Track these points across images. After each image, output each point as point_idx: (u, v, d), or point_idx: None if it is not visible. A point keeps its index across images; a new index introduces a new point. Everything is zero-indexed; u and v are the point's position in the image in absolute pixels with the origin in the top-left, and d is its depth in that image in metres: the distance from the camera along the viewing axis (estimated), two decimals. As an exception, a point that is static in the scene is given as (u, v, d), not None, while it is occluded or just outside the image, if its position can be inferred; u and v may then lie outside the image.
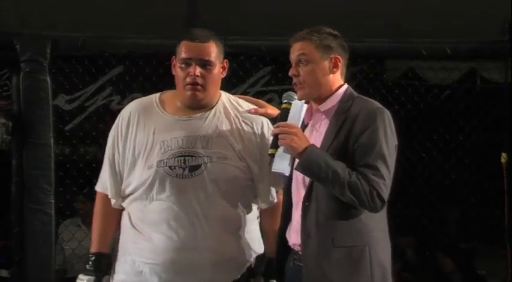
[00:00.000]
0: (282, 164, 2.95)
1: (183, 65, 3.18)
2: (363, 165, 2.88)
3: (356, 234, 2.92)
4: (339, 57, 3.02)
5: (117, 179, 3.28)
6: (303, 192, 2.99)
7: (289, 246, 3.08)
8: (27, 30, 4.61)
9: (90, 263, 3.30)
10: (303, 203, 2.97)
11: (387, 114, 2.96)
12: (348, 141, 2.92)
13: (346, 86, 3.07)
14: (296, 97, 3.05)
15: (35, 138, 4.43)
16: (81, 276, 3.30)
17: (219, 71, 3.23)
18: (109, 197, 3.30)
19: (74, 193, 5.57)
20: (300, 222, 2.98)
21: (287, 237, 3.08)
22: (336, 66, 3.02)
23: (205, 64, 3.17)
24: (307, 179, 2.97)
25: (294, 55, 3.03)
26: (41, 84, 4.44)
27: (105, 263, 3.30)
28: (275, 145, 2.96)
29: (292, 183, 3.08)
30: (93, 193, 3.42)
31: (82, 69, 5.12)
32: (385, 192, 2.88)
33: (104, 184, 3.33)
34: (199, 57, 3.17)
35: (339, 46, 3.03)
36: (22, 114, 4.44)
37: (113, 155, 3.28)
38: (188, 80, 3.17)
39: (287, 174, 2.99)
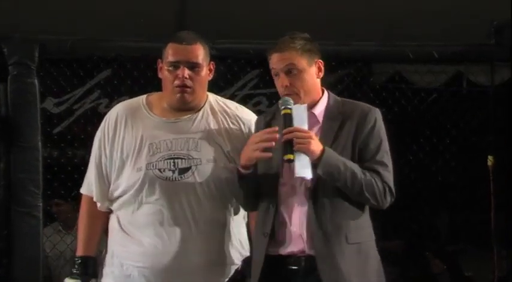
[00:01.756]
0: (305, 169, 2.89)
1: (170, 68, 3.19)
2: (373, 162, 2.96)
3: (362, 231, 2.99)
4: (321, 61, 3.06)
5: (104, 182, 3.27)
6: (300, 197, 2.98)
7: (275, 255, 3.02)
8: (15, 33, 4.60)
9: (76, 266, 3.29)
10: (310, 206, 2.95)
11: (380, 113, 3.04)
12: (352, 142, 2.97)
13: (326, 90, 3.12)
14: (292, 101, 3.01)
15: (23, 142, 4.43)
16: (67, 280, 3.29)
17: (206, 73, 3.24)
18: (94, 200, 3.29)
19: (62, 196, 5.56)
20: (300, 227, 2.97)
21: (275, 248, 3.01)
22: (320, 70, 3.06)
23: (193, 66, 3.18)
24: (307, 183, 2.96)
25: (280, 65, 3.01)
26: (28, 88, 4.44)
27: (91, 266, 3.29)
28: (290, 150, 2.88)
29: (280, 190, 3.03)
30: (78, 196, 3.42)
31: (70, 73, 5.12)
32: (393, 187, 2.98)
33: (89, 187, 3.32)
34: (186, 59, 3.17)
35: (318, 50, 3.06)
36: (10, 118, 4.43)
37: (100, 158, 3.27)
38: (177, 82, 3.17)
39: (310, 177, 2.94)
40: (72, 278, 3.28)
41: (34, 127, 4.45)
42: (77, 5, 5.87)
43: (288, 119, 2.96)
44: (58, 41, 4.60)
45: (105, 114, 3.39)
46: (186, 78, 3.16)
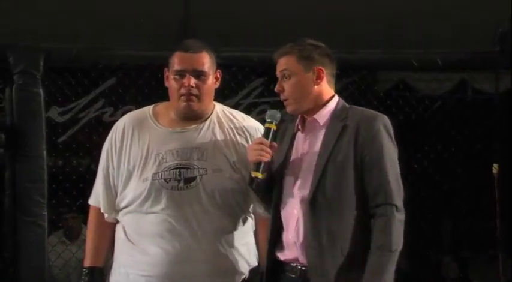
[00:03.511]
0: None
1: (177, 77, 3.18)
2: (375, 172, 2.90)
3: (358, 243, 2.92)
4: (321, 68, 3.01)
5: (111, 193, 3.27)
6: (297, 205, 2.98)
7: (278, 260, 3.04)
8: (20, 42, 4.62)
9: (84, 277, 3.28)
10: (306, 216, 2.94)
11: (387, 120, 2.99)
12: (354, 149, 2.93)
13: (337, 97, 3.08)
14: (279, 115, 3.05)
15: (28, 151, 4.43)
16: None
17: (212, 82, 3.23)
18: (102, 211, 3.29)
19: (67, 205, 5.57)
20: (294, 235, 2.97)
21: (277, 253, 3.04)
22: (319, 77, 3.01)
23: (200, 75, 3.18)
24: (306, 193, 2.96)
25: (278, 71, 3.04)
26: (33, 97, 4.45)
27: (98, 276, 3.28)
28: (257, 168, 2.99)
29: (282, 198, 3.04)
30: (86, 206, 3.42)
31: (75, 81, 5.13)
32: (399, 198, 2.92)
33: (97, 198, 3.31)
34: (193, 68, 3.17)
35: (321, 56, 3.02)
36: (15, 127, 4.44)
37: (107, 169, 3.27)
38: (183, 91, 3.17)
39: None
40: None
41: (39, 136, 4.45)
42: (79, 8, 5.90)
43: (266, 134, 3.03)
44: (63, 49, 4.61)
45: (109, 123, 3.40)
46: (192, 86, 3.16)
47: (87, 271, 3.28)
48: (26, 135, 4.43)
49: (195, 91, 3.17)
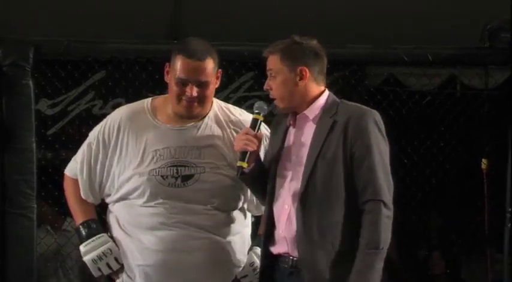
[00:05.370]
0: None
1: (179, 82, 3.14)
2: (364, 170, 2.90)
3: (350, 238, 2.91)
4: (304, 68, 2.99)
5: (93, 181, 3.25)
6: (288, 199, 2.99)
7: (272, 254, 3.06)
8: (9, 34, 4.60)
9: (83, 230, 3.26)
10: (297, 211, 2.95)
11: (377, 115, 2.98)
12: (343, 146, 2.92)
13: (327, 92, 3.07)
14: (266, 107, 3.09)
15: (17, 143, 4.43)
16: (82, 247, 3.24)
17: (214, 84, 3.20)
18: (83, 197, 3.28)
19: (56, 198, 5.55)
20: (284, 230, 2.99)
21: (270, 247, 3.06)
22: (302, 77, 2.99)
23: (203, 84, 3.14)
24: (297, 188, 2.97)
25: (266, 69, 3.05)
26: (23, 89, 4.44)
27: (94, 225, 3.27)
28: (243, 158, 3.02)
29: (274, 194, 3.06)
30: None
31: (64, 74, 5.12)
32: (387, 194, 2.91)
33: (73, 170, 3.31)
34: (196, 78, 3.12)
35: (305, 55, 3.00)
36: (4, 119, 4.43)
37: (96, 156, 3.24)
38: (184, 97, 3.14)
39: None
40: (84, 245, 3.25)
41: (28, 128, 4.45)
42: (73, 6, 5.88)
43: (253, 124, 3.07)
44: (53, 42, 4.60)
45: (99, 115, 3.38)
46: (194, 96, 3.14)
47: (83, 225, 3.26)
48: (15, 127, 4.43)
49: (196, 98, 3.15)
